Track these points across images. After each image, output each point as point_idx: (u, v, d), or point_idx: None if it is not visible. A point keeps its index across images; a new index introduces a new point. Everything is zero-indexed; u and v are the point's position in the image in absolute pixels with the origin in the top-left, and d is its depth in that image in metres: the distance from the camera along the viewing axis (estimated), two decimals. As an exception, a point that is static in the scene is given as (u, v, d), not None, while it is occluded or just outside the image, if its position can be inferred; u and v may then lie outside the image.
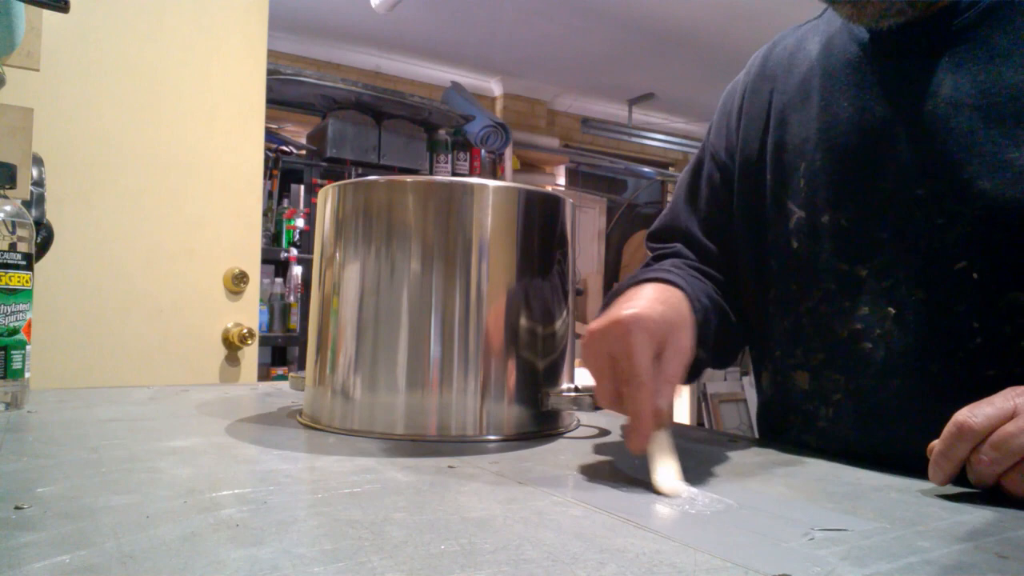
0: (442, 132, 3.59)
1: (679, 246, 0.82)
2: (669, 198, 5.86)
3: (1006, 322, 0.57)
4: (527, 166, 4.48)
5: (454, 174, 3.60)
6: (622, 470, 0.56)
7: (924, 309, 0.61)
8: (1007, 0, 0.60)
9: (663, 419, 0.54)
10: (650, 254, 0.85)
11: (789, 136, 0.72)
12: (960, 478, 0.49)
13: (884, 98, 0.64)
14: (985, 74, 0.59)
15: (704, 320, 0.68)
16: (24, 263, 0.76)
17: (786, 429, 0.73)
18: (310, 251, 2.82)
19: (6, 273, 0.75)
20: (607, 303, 0.74)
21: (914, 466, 0.53)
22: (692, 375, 0.70)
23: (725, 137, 0.81)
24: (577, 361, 0.76)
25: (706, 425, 4.38)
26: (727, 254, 0.79)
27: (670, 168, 5.53)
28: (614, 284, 0.82)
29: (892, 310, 0.62)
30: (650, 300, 0.59)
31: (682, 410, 4.38)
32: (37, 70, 1.23)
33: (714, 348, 0.72)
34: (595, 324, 0.57)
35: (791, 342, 0.71)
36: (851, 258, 0.65)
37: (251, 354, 1.60)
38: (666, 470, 0.51)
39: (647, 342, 0.54)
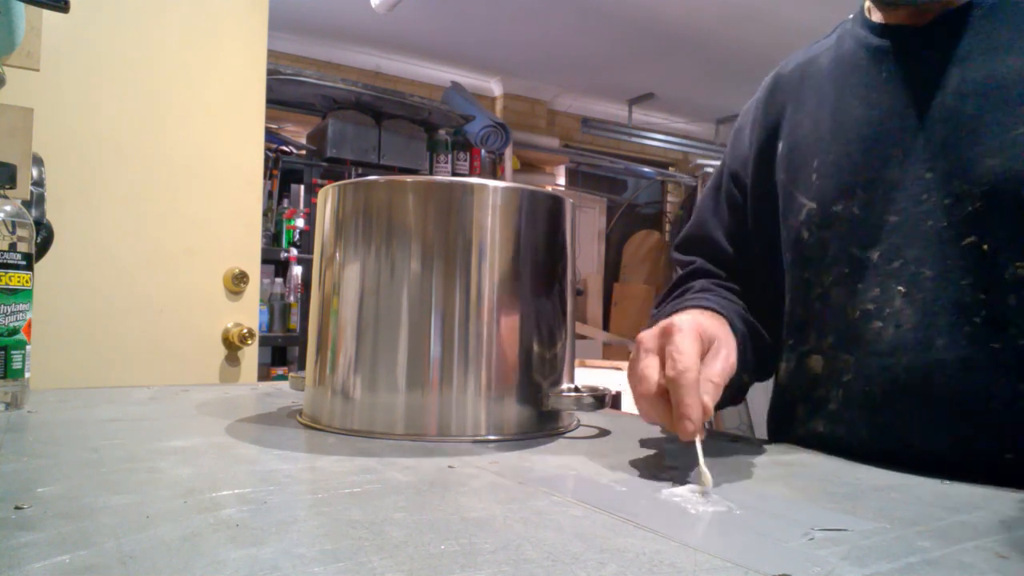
0: (442, 132, 3.59)
1: (699, 261, 0.85)
2: (670, 198, 5.85)
3: (1011, 293, 0.59)
4: (527, 166, 4.48)
5: (454, 174, 3.60)
6: (622, 470, 0.56)
7: (932, 286, 0.62)
8: (1011, 0, 0.63)
9: (708, 414, 0.55)
10: (680, 269, 0.88)
11: (801, 136, 0.75)
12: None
13: (893, 93, 0.67)
14: (990, 63, 0.62)
15: (742, 343, 0.69)
16: (24, 263, 0.76)
17: (796, 417, 0.74)
18: (310, 251, 2.82)
19: (6, 273, 0.75)
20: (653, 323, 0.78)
21: (917, 455, 0.53)
22: (736, 397, 0.73)
23: (741, 152, 0.84)
24: (577, 361, 0.76)
25: (706, 425, 4.37)
26: (750, 264, 0.83)
27: (670, 168, 5.53)
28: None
29: (902, 289, 0.64)
30: (695, 314, 0.65)
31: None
32: (37, 70, 1.23)
33: (754, 369, 0.75)
34: (644, 334, 0.60)
35: (805, 328, 0.73)
36: (862, 243, 0.67)
37: (251, 354, 1.59)
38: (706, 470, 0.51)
39: (694, 340, 0.57)
